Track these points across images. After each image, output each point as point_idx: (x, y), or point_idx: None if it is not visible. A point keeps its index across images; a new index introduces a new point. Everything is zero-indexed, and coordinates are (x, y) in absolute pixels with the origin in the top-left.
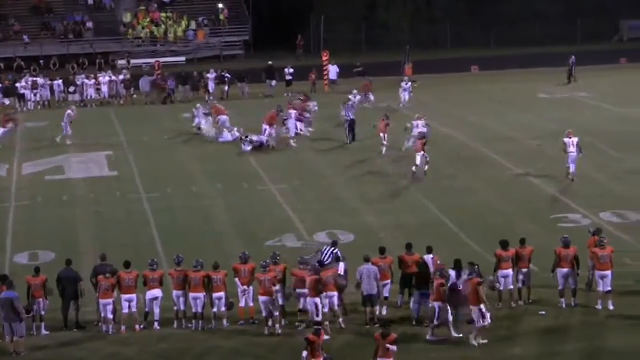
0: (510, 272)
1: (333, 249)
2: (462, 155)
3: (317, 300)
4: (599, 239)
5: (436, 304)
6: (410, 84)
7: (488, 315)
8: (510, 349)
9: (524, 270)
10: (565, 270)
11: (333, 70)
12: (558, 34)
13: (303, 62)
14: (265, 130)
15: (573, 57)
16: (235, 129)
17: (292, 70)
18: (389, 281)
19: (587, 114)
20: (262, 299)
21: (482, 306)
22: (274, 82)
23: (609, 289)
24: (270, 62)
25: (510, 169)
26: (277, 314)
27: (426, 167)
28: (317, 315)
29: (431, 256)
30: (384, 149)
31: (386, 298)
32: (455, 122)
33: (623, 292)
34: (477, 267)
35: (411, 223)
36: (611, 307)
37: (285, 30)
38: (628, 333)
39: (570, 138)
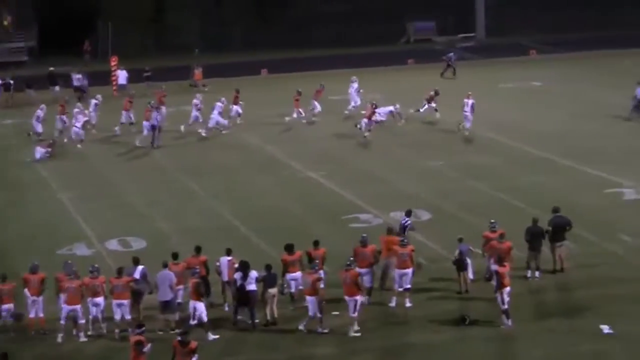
0: (298, 274)
1: (408, 219)
2: (255, 158)
3: (198, 303)
4: (401, 238)
5: (310, 298)
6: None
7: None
8: (309, 348)
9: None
10: (362, 269)
11: (122, 75)
12: (346, 36)
13: (91, 68)
14: (146, 127)
15: (452, 52)
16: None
17: (79, 76)
18: (182, 286)
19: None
20: (67, 307)
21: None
22: (57, 88)
23: (408, 286)
24: (51, 68)
25: (302, 171)
26: (82, 321)
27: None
28: (193, 319)
29: (228, 258)
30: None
31: (179, 304)
32: (249, 125)
33: (417, 290)
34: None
35: (204, 227)
36: (408, 304)
37: (72, 35)
38: (422, 329)
39: (468, 99)
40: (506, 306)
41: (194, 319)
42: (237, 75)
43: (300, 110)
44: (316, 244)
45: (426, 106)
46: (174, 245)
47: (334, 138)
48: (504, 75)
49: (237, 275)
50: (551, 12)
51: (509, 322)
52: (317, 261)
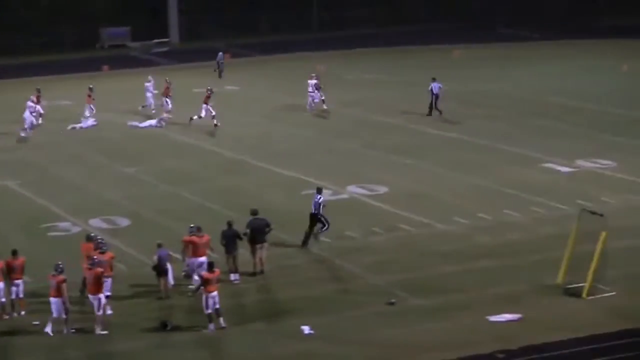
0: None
1: (320, 196)
2: None
3: None
4: (98, 243)
5: (54, 300)
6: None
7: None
8: None
9: (17, 281)
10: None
11: None
12: (42, 43)
13: None
14: None
15: (221, 53)
16: None
17: None
18: None
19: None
20: None
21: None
22: None
23: (108, 293)
24: None
25: None
26: None
27: (215, 121)
28: None
29: None
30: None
31: None
32: None
33: (117, 297)
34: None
35: None
36: (109, 312)
37: None
38: (124, 336)
39: (310, 80)
40: (210, 310)
41: None
42: None
43: (92, 106)
44: (14, 253)
45: (204, 108)
46: None
47: (31, 146)
48: (199, 79)
49: None
50: (244, 16)
51: (212, 327)
52: (59, 264)
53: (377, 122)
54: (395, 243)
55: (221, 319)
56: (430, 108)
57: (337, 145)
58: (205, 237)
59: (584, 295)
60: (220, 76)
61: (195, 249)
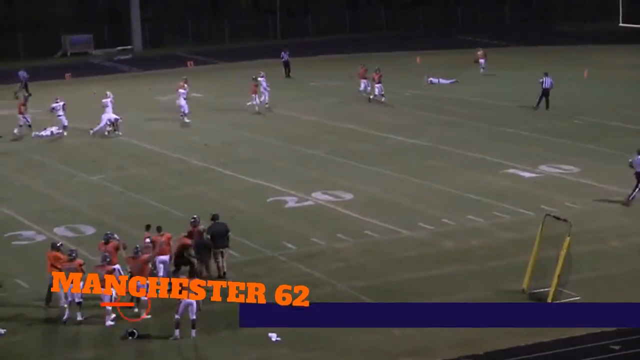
0: None
1: None
2: None
3: None
4: (69, 252)
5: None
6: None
7: None
8: None
9: None
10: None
11: None
12: (3, 50)
13: None
14: None
15: (282, 52)
16: None
17: None
18: None
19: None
20: None
21: None
22: None
23: (79, 300)
24: None
25: None
26: None
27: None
28: None
29: None
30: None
31: None
32: None
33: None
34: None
35: None
36: (79, 318)
37: None
38: (91, 345)
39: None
40: (178, 316)
41: None
42: None
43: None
44: None
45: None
46: None
47: None
48: (161, 87)
49: None
50: (206, 23)
51: (178, 333)
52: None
53: (341, 129)
54: (361, 249)
55: (194, 331)
56: (539, 101)
57: (301, 152)
58: (166, 236)
59: (549, 300)
60: (288, 75)
61: (155, 244)
